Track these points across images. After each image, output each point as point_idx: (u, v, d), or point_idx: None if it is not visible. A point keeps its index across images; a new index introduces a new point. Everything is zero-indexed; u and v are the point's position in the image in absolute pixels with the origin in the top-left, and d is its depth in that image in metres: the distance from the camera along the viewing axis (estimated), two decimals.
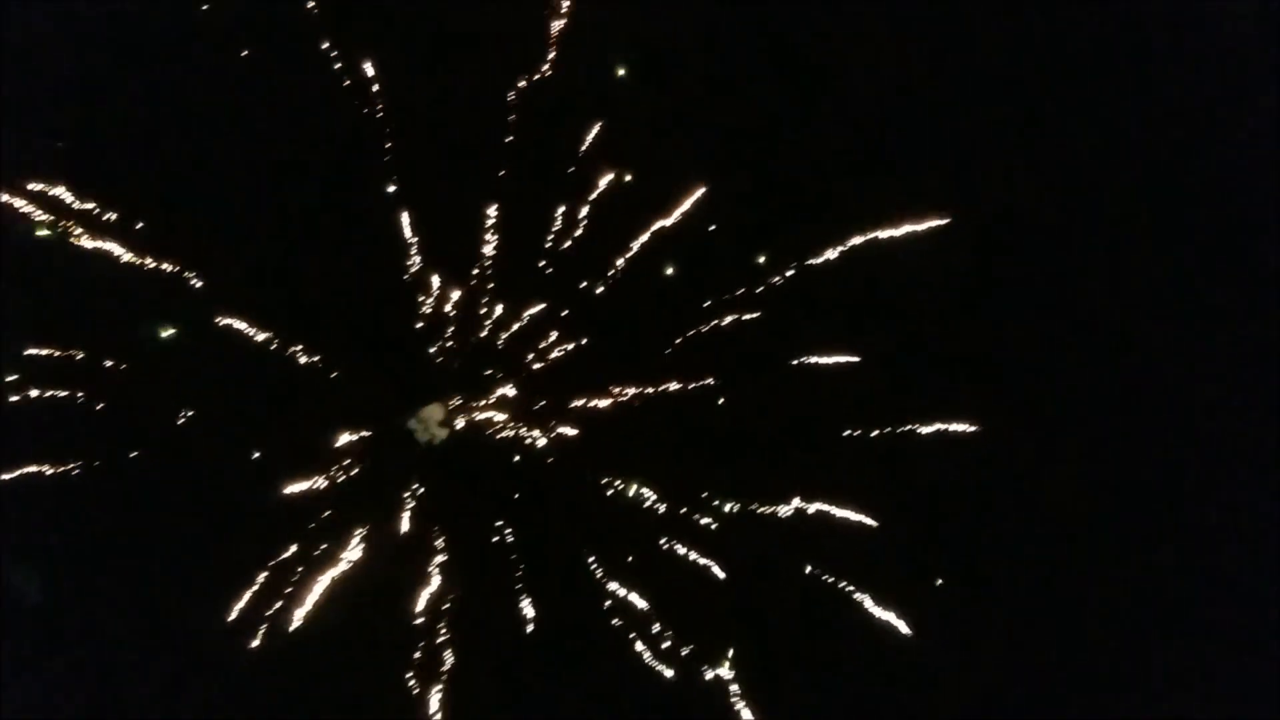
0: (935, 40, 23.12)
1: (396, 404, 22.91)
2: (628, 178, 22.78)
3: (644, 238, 22.90)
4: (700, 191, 22.62)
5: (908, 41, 23.10)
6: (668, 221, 22.83)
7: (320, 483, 22.19)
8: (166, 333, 22.16)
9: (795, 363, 22.85)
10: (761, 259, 23.01)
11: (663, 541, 22.68)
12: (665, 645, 22.16)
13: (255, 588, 21.66)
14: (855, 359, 22.57)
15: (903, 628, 22.10)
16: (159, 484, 22.28)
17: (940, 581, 22.76)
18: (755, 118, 23.33)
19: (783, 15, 23.19)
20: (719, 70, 23.29)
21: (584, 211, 22.95)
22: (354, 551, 22.05)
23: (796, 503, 22.60)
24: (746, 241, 23.22)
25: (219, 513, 22.25)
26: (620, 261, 22.97)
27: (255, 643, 21.58)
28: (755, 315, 22.94)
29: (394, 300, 23.06)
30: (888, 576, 22.46)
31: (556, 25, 22.36)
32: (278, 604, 21.69)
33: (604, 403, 23.10)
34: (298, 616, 21.63)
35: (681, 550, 22.63)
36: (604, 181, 22.73)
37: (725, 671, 22.09)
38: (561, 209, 22.92)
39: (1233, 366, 23.46)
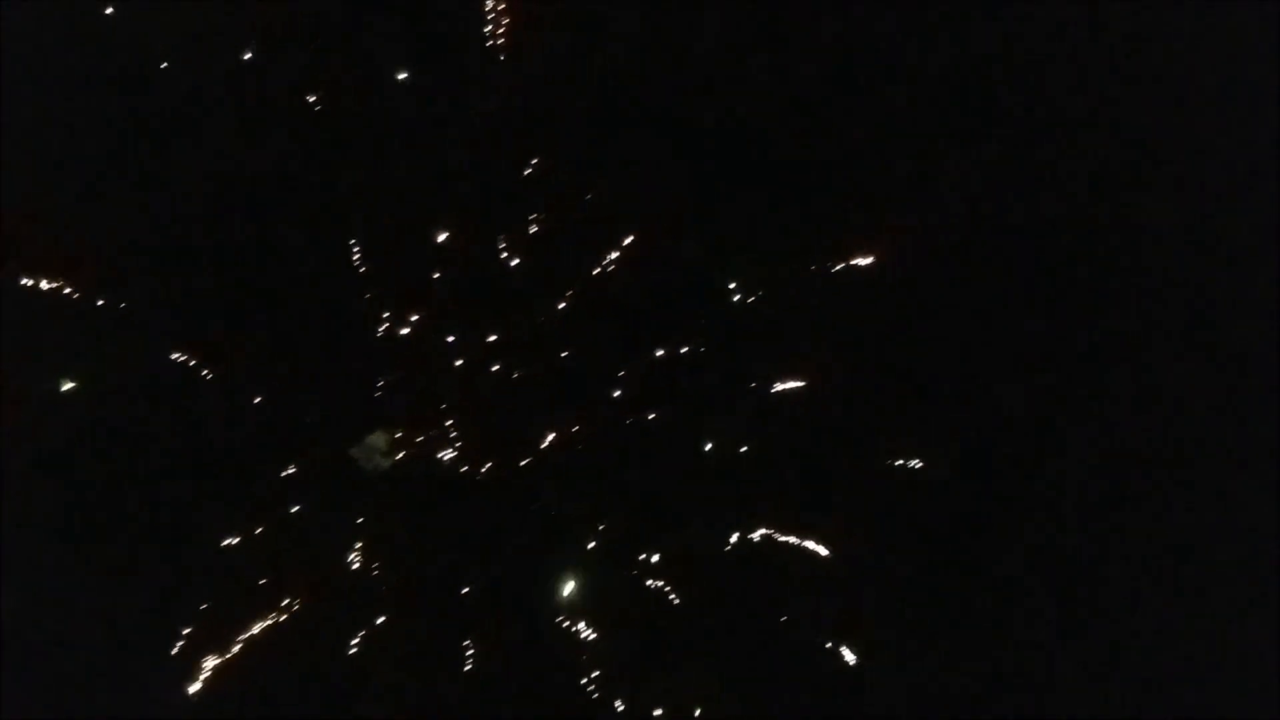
0: (884, 65, 23.33)
1: (342, 433, 22.55)
2: (589, 196, 22.79)
3: (596, 268, 22.84)
4: (637, 235, 22.69)
5: (856, 67, 23.28)
6: (619, 249, 22.77)
7: (264, 514, 21.82)
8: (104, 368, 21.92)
9: (752, 386, 22.63)
10: (731, 285, 22.88)
11: (616, 571, 22.24)
12: (617, 678, 21.65)
13: (193, 627, 21.21)
14: (803, 382, 22.36)
15: (850, 658, 21.68)
16: (102, 517, 21.83)
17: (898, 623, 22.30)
18: (707, 144, 23.25)
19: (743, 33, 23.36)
20: (673, 92, 23.26)
21: (534, 240, 22.93)
22: (296, 583, 21.62)
23: (753, 532, 22.19)
24: (700, 268, 23.08)
25: (160, 548, 21.76)
26: (565, 299, 22.90)
27: (195, 686, 21.05)
28: (711, 341, 22.74)
29: (343, 329, 22.84)
30: (845, 606, 21.96)
31: (504, 55, 22.64)
32: (219, 641, 21.20)
33: (555, 433, 22.79)
34: (237, 653, 21.16)
35: (634, 580, 22.20)
36: (551, 211, 22.82)
37: (681, 706, 21.49)
38: (504, 240, 22.98)
39: (1197, 392, 23.22)
